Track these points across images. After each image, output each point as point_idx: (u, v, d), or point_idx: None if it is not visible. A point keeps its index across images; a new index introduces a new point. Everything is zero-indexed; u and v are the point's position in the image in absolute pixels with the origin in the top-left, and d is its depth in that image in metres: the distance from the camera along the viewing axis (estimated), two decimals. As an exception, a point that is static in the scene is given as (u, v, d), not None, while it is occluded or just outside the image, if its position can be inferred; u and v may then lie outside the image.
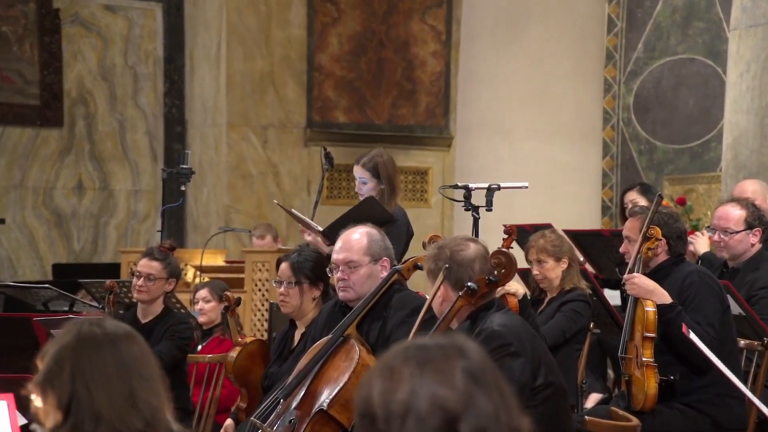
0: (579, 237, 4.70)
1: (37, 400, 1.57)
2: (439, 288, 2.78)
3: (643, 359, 3.34)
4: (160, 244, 4.19)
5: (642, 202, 4.69)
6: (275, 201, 4.55)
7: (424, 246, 3.28)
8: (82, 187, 8.42)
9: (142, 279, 4.01)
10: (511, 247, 3.54)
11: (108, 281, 4.22)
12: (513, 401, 1.31)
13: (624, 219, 3.99)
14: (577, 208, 6.33)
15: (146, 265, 4.03)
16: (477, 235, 3.88)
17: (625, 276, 3.45)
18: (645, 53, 7.80)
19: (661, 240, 3.47)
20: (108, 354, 1.56)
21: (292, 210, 4.28)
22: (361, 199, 4.26)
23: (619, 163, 7.88)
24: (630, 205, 4.53)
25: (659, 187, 7.37)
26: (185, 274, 5.50)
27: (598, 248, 4.71)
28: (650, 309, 3.35)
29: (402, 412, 1.27)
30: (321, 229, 4.07)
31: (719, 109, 6.74)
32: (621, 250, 3.62)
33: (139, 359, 1.57)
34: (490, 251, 2.86)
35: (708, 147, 7.50)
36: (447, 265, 2.78)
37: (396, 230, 4.04)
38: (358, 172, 4.26)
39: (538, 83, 6.32)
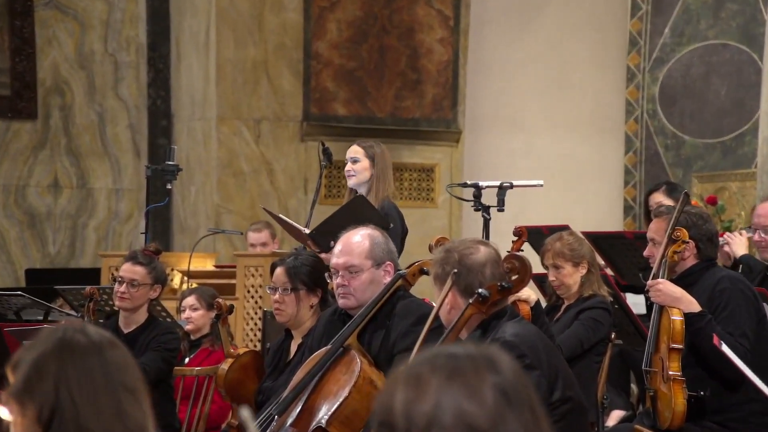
0: (599, 239, 4.71)
1: (9, 414, 1.53)
2: (446, 295, 2.79)
3: (670, 373, 3.34)
4: (145, 248, 4.21)
5: (668, 204, 4.69)
6: (262, 206, 4.56)
7: (430, 249, 3.30)
8: (58, 185, 8.44)
9: (124, 285, 4.02)
10: (522, 250, 3.56)
11: (88, 287, 4.23)
12: (545, 424, 1.31)
13: (649, 221, 4.00)
14: (597, 208, 6.34)
15: (129, 270, 4.05)
16: (488, 237, 3.90)
17: (650, 282, 3.46)
18: (672, 38, 7.81)
19: (688, 243, 3.48)
20: (94, 363, 1.54)
21: (280, 216, 4.28)
22: (350, 184, 4.27)
23: (643, 159, 7.89)
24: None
25: (687, 185, 7.38)
26: (171, 280, 5.53)
27: (620, 252, 4.73)
28: (677, 318, 3.36)
29: (424, 424, 1.28)
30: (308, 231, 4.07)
31: (754, 100, 6.75)
32: (645, 253, 3.63)
33: (123, 367, 1.56)
34: (503, 255, 2.87)
35: (742, 141, 7.51)
36: (455, 270, 2.79)
37: (392, 230, 4.03)
38: (353, 151, 4.30)
39: (555, 72, 6.32)
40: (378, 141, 4.47)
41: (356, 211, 3.94)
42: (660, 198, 5.05)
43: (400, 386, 1.31)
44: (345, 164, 4.35)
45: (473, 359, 1.31)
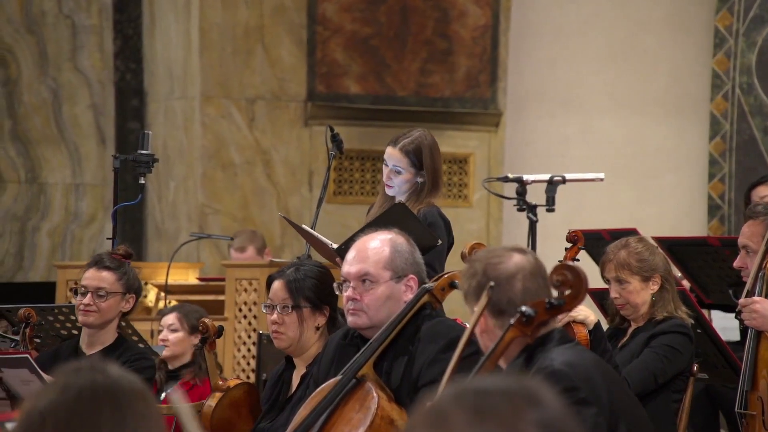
0: (676, 247, 4.76)
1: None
2: (482, 313, 2.85)
3: (774, 418, 3.37)
4: (112, 251, 4.20)
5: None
6: (281, 214, 4.54)
7: (463, 258, 3.36)
8: (2, 180, 8.55)
9: (88, 296, 4.02)
10: (577, 260, 3.62)
11: (22, 309, 4.15)
12: None
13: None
14: (673, 207, 6.37)
15: (94, 277, 4.04)
16: (534, 244, 3.95)
17: (742, 300, 3.50)
18: (775, -8, 7.80)
19: (793, 251, 3.51)
20: (105, 414, 1.67)
21: (303, 227, 4.26)
22: (388, 192, 4.22)
23: (733, 145, 7.89)
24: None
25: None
26: (145, 296, 5.60)
27: (704, 262, 4.76)
28: (780, 347, 3.40)
29: None
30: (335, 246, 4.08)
31: None
32: (736, 264, 3.68)
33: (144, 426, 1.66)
34: (554, 265, 2.93)
35: None
36: (492, 284, 2.85)
37: (438, 246, 4.04)
38: (395, 157, 4.21)
39: (621, 37, 6.36)
40: (422, 129, 4.29)
41: (396, 225, 3.91)
42: (767, 192, 5.04)
43: (420, 429, 1.36)
44: (381, 163, 4.24)
45: (508, 393, 1.35)
